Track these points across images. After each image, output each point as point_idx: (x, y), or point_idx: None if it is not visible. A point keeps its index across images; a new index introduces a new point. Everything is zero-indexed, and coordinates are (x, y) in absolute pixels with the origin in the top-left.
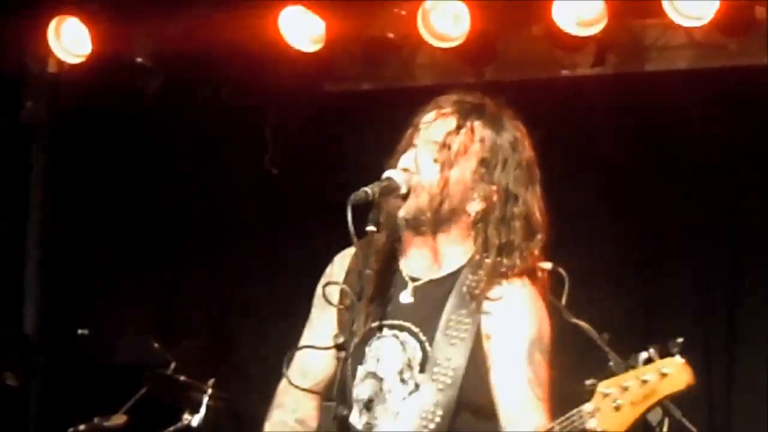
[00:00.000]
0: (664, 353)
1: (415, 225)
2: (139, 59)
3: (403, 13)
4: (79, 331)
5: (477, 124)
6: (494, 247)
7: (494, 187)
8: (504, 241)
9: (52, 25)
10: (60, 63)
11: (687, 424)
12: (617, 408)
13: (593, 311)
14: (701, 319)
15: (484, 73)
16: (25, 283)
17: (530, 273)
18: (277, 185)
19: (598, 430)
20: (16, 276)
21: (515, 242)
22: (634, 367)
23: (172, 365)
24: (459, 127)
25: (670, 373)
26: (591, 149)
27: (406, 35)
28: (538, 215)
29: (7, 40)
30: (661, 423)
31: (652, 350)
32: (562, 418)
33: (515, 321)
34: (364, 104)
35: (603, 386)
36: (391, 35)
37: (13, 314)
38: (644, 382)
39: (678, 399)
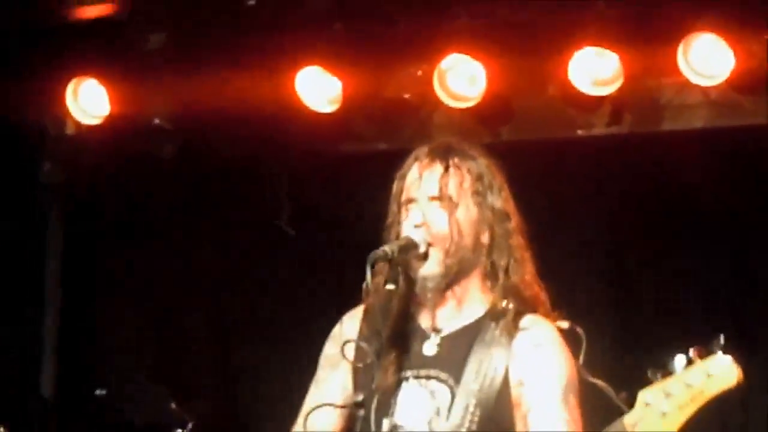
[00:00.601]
0: (705, 353)
1: (438, 281)
2: (156, 120)
3: (420, 73)
4: (97, 392)
5: (456, 160)
6: (502, 270)
7: (490, 212)
8: (508, 261)
9: (71, 86)
10: (78, 124)
11: None
12: (663, 415)
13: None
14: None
15: (500, 133)
16: (42, 345)
17: (549, 317)
18: (292, 246)
19: None
20: (34, 337)
21: (518, 258)
22: (671, 372)
23: (189, 426)
24: (446, 168)
25: (716, 373)
26: (607, 208)
27: (423, 96)
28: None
29: (26, 101)
30: None
31: (692, 351)
32: (605, 429)
33: (548, 365)
34: (381, 165)
35: (643, 394)
36: (407, 96)
37: (31, 377)
38: (689, 385)
39: None
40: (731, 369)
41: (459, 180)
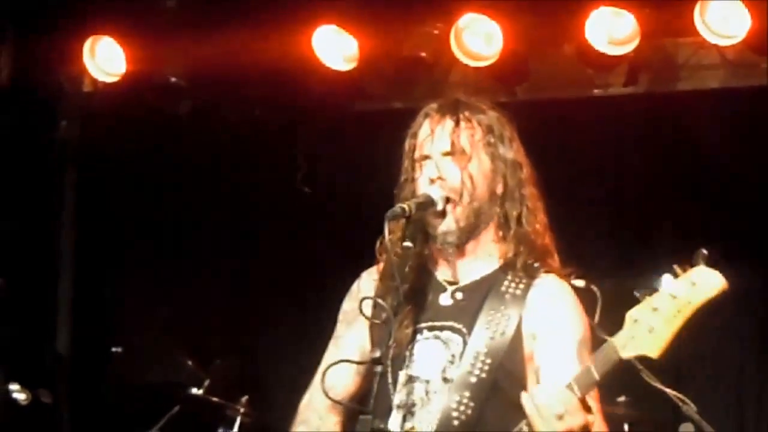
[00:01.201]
0: (688, 268)
1: (458, 235)
2: (172, 79)
3: (436, 32)
4: (113, 350)
5: (467, 113)
6: (514, 219)
7: (502, 163)
8: (521, 210)
9: (87, 44)
10: (94, 82)
11: None
12: (650, 330)
13: None
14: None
15: (516, 92)
16: (58, 302)
17: (562, 274)
18: (308, 204)
19: (635, 355)
20: (49, 294)
21: (530, 207)
22: (657, 289)
23: (206, 383)
24: (456, 123)
25: (700, 281)
26: (622, 167)
27: (439, 54)
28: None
29: (43, 59)
30: None
31: (675, 267)
32: (596, 353)
33: (561, 320)
34: (396, 123)
35: (631, 313)
36: (423, 54)
37: (47, 333)
38: (674, 296)
39: (711, 420)
40: (715, 276)
41: (470, 132)
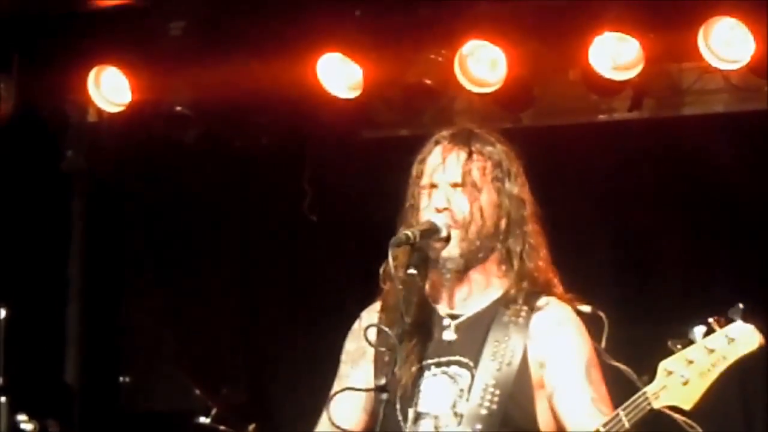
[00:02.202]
0: (724, 322)
1: (458, 263)
2: (178, 108)
3: (440, 59)
4: (121, 379)
5: (478, 146)
6: (516, 255)
7: (507, 198)
8: (523, 247)
9: (92, 74)
10: (100, 112)
11: None
12: (685, 382)
13: None
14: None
15: (521, 118)
16: (66, 332)
17: (564, 298)
18: (315, 231)
19: (667, 406)
20: (58, 324)
21: (532, 244)
22: (692, 341)
23: (213, 411)
24: (470, 154)
25: (738, 337)
26: (627, 192)
27: (444, 81)
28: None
29: (48, 89)
30: None
31: (711, 320)
32: (627, 403)
33: (566, 344)
34: (402, 151)
35: (665, 363)
36: (428, 82)
37: (55, 363)
38: (711, 350)
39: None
40: (753, 333)
41: (481, 165)
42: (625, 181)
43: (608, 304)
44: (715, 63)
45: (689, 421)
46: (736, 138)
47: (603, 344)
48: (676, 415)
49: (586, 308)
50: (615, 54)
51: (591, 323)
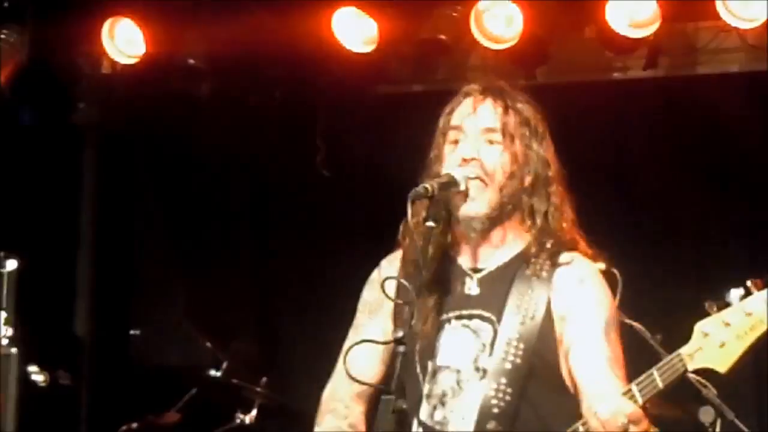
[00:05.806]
0: (762, 285)
1: (484, 221)
2: (191, 61)
3: (456, 14)
4: (132, 332)
5: (509, 101)
6: (540, 214)
7: (535, 156)
8: (548, 206)
9: (106, 26)
10: (113, 64)
11: (740, 425)
12: (722, 345)
13: None
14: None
15: (535, 75)
16: (77, 284)
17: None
18: (328, 187)
19: (702, 367)
20: (68, 277)
21: (556, 204)
22: (729, 304)
23: (224, 365)
24: (506, 108)
25: None
26: (642, 151)
27: (459, 37)
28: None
29: (61, 41)
30: (713, 424)
31: (749, 283)
32: (661, 363)
33: (590, 302)
34: (416, 106)
35: (701, 325)
36: (443, 37)
37: (66, 314)
38: (749, 314)
39: (731, 402)
40: None
41: (516, 120)
42: (639, 139)
43: (628, 259)
44: (731, 21)
45: (702, 380)
46: (751, 97)
47: (617, 301)
48: (691, 375)
49: (601, 266)
50: (632, 11)
51: (607, 281)
